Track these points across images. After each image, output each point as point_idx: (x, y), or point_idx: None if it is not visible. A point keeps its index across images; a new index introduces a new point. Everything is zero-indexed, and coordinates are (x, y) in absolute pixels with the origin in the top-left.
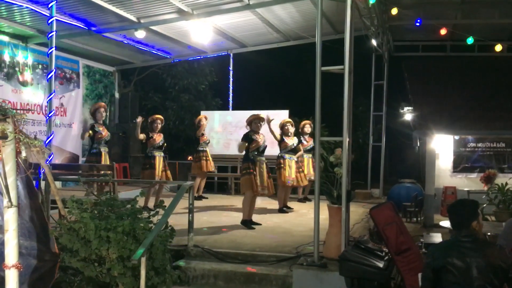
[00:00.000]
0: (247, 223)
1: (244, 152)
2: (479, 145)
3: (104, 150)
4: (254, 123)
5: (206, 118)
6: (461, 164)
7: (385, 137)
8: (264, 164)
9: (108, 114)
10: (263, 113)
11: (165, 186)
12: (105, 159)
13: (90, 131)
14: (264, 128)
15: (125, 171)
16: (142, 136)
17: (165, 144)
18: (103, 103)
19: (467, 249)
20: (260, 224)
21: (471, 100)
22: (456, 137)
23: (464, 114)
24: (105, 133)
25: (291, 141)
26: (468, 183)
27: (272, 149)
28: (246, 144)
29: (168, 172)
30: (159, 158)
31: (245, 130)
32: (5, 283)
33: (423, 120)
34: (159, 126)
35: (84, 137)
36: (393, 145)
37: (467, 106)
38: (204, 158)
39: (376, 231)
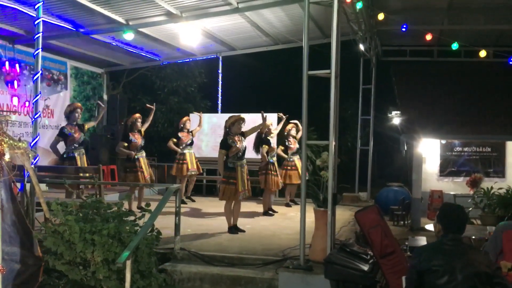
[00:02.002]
0: (232, 230)
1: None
2: (466, 149)
3: (78, 153)
4: (236, 125)
5: (189, 120)
6: (447, 168)
7: (373, 140)
8: (245, 167)
9: (96, 116)
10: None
11: (152, 188)
12: (82, 163)
13: (61, 138)
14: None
15: (112, 173)
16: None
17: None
18: (79, 104)
19: (452, 253)
20: (244, 231)
21: (458, 105)
22: (443, 141)
23: (451, 118)
24: (77, 134)
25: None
26: (455, 187)
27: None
28: (226, 152)
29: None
30: (143, 160)
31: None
32: None
33: (410, 124)
34: (140, 125)
35: (55, 145)
36: (381, 149)
37: (454, 111)
38: (181, 162)
39: (362, 234)
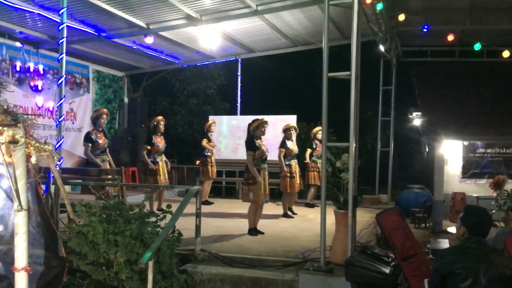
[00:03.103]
0: (253, 231)
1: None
2: (489, 150)
3: (101, 159)
4: (260, 128)
5: (215, 122)
6: (470, 170)
7: (394, 142)
8: (267, 171)
9: (117, 118)
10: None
11: (172, 190)
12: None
13: (90, 144)
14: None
15: (133, 176)
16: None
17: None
18: (106, 110)
19: (475, 256)
20: (263, 233)
21: (481, 106)
22: (465, 143)
23: (473, 119)
24: (102, 140)
25: (295, 147)
26: (477, 189)
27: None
28: (254, 154)
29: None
30: (161, 164)
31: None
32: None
33: (431, 126)
34: (162, 127)
35: (88, 152)
36: (402, 151)
37: (477, 112)
38: (210, 164)
39: (383, 237)
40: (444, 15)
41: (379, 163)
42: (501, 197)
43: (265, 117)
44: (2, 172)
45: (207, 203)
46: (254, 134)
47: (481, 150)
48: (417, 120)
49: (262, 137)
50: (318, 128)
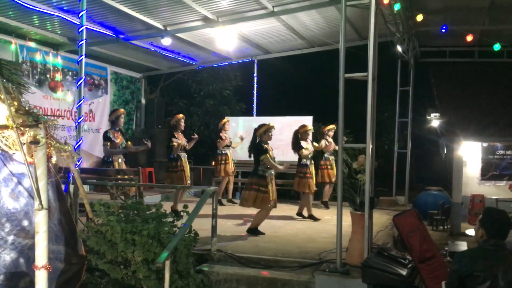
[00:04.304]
0: (254, 231)
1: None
2: (508, 152)
3: (117, 158)
4: (267, 133)
5: (228, 121)
6: (489, 172)
7: (411, 143)
8: (273, 178)
9: (134, 119)
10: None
11: (188, 190)
12: (120, 168)
13: (108, 143)
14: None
15: (150, 176)
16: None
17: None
18: (122, 109)
19: (494, 258)
20: (264, 234)
21: (500, 107)
22: (485, 144)
23: (492, 121)
24: (119, 140)
25: (310, 147)
26: (497, 191)
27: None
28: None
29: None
30: (185, 160)
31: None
32: (34, 285)
33: (450, 127)
34: (183, 125)
35: (108, 148)
36: (420, 152)
37: (496, 113)
38: (223, 162)
39: (400, 238)
40: (463, 15)
41: (396, 164)
42: None
43: (279, 118)
44: (24, 171)
45: (220, 203)
46: (261, 139)
47: (501, 151)
48: (435, 121)
49: (271, 140)
50: (331, 126)
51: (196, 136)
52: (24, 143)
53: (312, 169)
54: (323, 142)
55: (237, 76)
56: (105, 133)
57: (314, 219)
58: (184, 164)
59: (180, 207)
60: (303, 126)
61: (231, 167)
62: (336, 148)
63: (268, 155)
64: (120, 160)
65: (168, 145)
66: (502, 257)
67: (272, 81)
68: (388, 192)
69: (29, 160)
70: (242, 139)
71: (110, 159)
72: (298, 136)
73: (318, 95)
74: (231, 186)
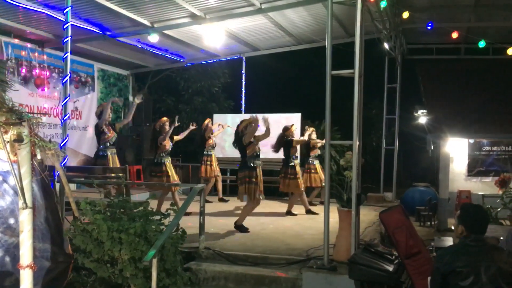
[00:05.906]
0: (241, 228)
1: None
2: (494, 148)
3: (111, 152)
4: (248, 128)
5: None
6: (475, 168)
7: (399, 140)
8: (260, 168)
9: (122, 117)
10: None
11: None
12: (113, 162)
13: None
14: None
15: (138, 174)
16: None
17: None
18: (106, 103)
19: (476, 254)
20: (248, 230)
21: (486, 103)
22: (471, 141)
23: (479, 117)
24: (111, 133)
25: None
26: (483, 187)
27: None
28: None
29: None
30: (169, 164)
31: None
32: (19, 284)
33: (437, 123)
34: (167, 128)
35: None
36: (407, 149)
37: (482, 109)
38: (209, 162)
39: (387, 235)
40: (449, 12)
41: (384, 161)
42: (507, 195)
43: (268, 115)
44: (9, 169)
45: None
46: (243, 134)
47: (487, 148)
48: (422, 118)
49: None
50: (311, 129)
51: (194, 126)
52: (8, 141)
53: (298, 168)
54: (306, 135)
55: (226, 73)
56: (97, 125)
57: (313, 213)
58: (169, 168)
59: (167, 205)
60: (287, 129)
61: (214, 168)
62: (323, 142)
63: (253, 144)
64: (112, 154)
65: (152, 146)
66: (483, 252)
67: (261, 78)
68: (376, 189)
69: (13, 158)
70: (223, 127)
71: (104, 153)
72: (284, 139)
73: (306, 92)
74: (220, 185)
